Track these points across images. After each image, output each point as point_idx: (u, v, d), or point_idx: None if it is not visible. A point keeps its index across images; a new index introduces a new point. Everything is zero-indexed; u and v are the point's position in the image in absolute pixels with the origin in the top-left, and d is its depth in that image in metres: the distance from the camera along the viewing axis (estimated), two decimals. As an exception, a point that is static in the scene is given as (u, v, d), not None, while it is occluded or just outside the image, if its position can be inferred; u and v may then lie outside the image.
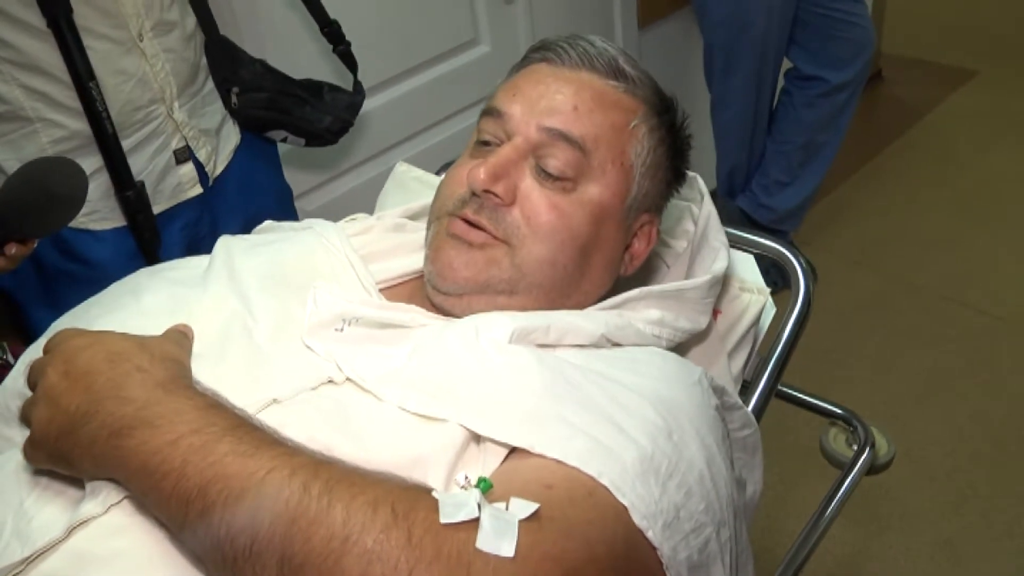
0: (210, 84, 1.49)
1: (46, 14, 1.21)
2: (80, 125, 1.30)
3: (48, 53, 1.24)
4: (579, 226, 0.93)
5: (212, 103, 1.49)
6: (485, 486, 0.64)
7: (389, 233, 1.09)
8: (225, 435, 0.66)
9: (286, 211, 1.67)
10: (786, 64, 2.53)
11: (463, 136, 2.21)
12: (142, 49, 1.32)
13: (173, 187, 1.43)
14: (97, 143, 1.31)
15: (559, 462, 0.70)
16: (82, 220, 1.36)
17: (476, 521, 0.61)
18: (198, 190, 1.46)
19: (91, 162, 1.32)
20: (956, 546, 1.95)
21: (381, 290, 0.98)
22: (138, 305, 0.91)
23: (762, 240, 1.18)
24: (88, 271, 1.36)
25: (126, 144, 1.34)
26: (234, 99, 1.51)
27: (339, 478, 0.63)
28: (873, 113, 3.39)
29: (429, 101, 2.13)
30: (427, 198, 1.14)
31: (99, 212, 1.37)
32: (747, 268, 1.16)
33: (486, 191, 0.91)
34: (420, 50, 2.08)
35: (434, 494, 0.63)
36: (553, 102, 0.94)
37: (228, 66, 1.50)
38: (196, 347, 0.85)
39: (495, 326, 0.84)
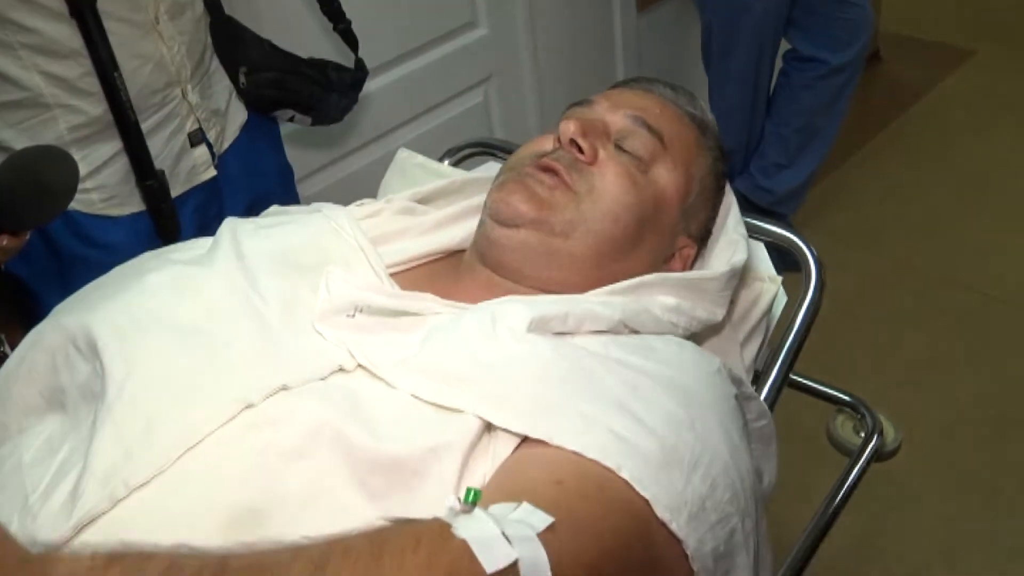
0: (215, 63, 1.47)
1: (70, 2, 1.20)
2: (99, 111, 1.29)
3: (70, 37, 1.23)
4: (644, 202, 0.97)
5: (219, 81, 1.48)
6: (476, 497, 0.63)
7: (399, 216, 1.08)
8: None
9: (288, 192, 1.66)
10: (784, 46, 2.51)
11: (463, 119, 2.22)
12: (159, 32, 1.31)
13: (188, 170, 1.42)
14: (119, 131, 1.30)
15: (576, 454, 0.69)
16: (100, 206, 1.35)
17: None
18: (212, 173, 1.45)
19: (109, 147, 1.32)
20: (959, 527, 1.95)
21: (392, 274, 0.97)
22: (141, 285, 0.90)
23: (772, 228, 1.18)
24: (104, 255, 1.32)
25: (143, 128, 1.33)
26: (243, 79, 1.50)
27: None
28: (871, 94, 3.37)
29: (428, 84, 2.12)
30: (431, 184, 1.15)
31: (116, 197, 1.36)
32: (758, 256, 1.16)
33: (572, 141, 0.96)
34: (418, 32, 2.07)
35: (457, 534, 0.60)
36: (641, 102, 1.03)
37: (236, 47, 1.49)
38: (204, 323, 0.84)
39: (512, 314, 0.83)
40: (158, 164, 1.36)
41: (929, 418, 2.19)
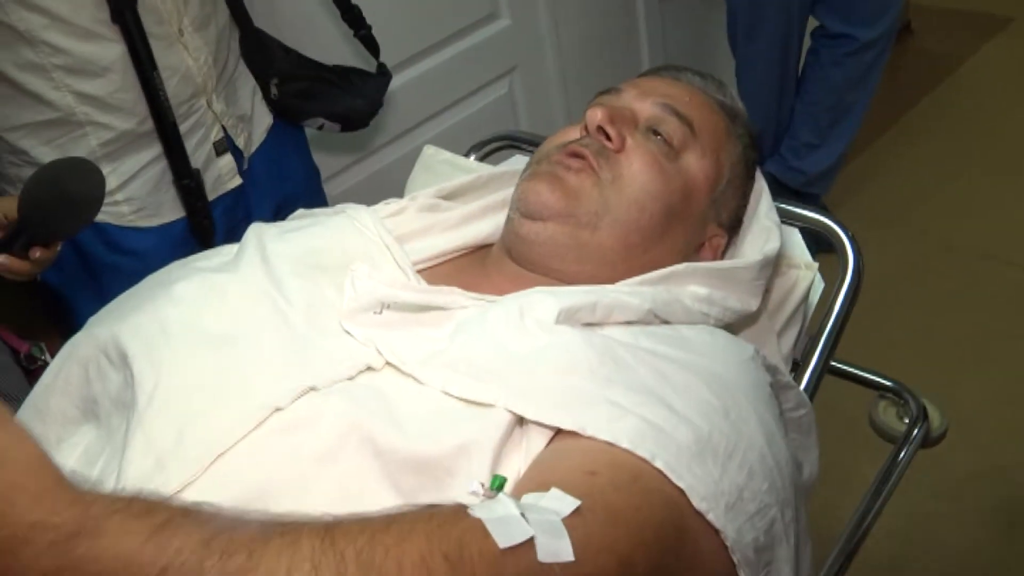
0: (239, 68, 1.49)
1: (113, 6, 1.23)
2: (128, 124, 1.32)
3: (103, 55, 1.26)
4: (672, 190, 0.96)
5: (243, 86, 1.50)
6: (500, 482, 0.63)
7: (423, 213, 1.07)
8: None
9: (315, 193, 1.68)
10: (812, 23, 2.47)
11: (488, 112, 2.21)
12: (184, 43, 1.33)
13: (214, 179, 1.44)
14: (158, 133, 1.33)
15: (609, 445, 0.68)
16: (130, 218, 1.38)
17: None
18: (237, 181, 1.47)
19: (138, 159, 1.35)
20: (1009, 511, 1.91)
21: (418, 270, 0.96)
22: (169, 294, 0.90)
23: (806, 212, 1.16)
24: (136, 262, 1.36)
25: None
26: (274, 90, 1.53)
27: (368, 542, 0.55)
28: (903, 68, 3.31)
29: (452, 78, 2.11)
30: (456, 180, 1.14)
31: (146, 209, 1.39)
32: (793, 242, 1.13)
33: (599, 128, 0.95)
34: (440, 26, 2.06)
35: (473, 513, 0.58)
36: (670, 90, 1.02)
37: (265, 58, 1.52)
38: (231, 329, 0.84)
39: (540, 306, 0.82)
40: (198, 168, 1.39)
41: (975, 399, 2.15)
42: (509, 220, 0.99)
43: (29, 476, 0.53)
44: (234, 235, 1.24)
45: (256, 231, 1.00)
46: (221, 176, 1.45)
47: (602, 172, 0.94)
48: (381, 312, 0.86)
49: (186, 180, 1.37)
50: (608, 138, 0.95)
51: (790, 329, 1.09)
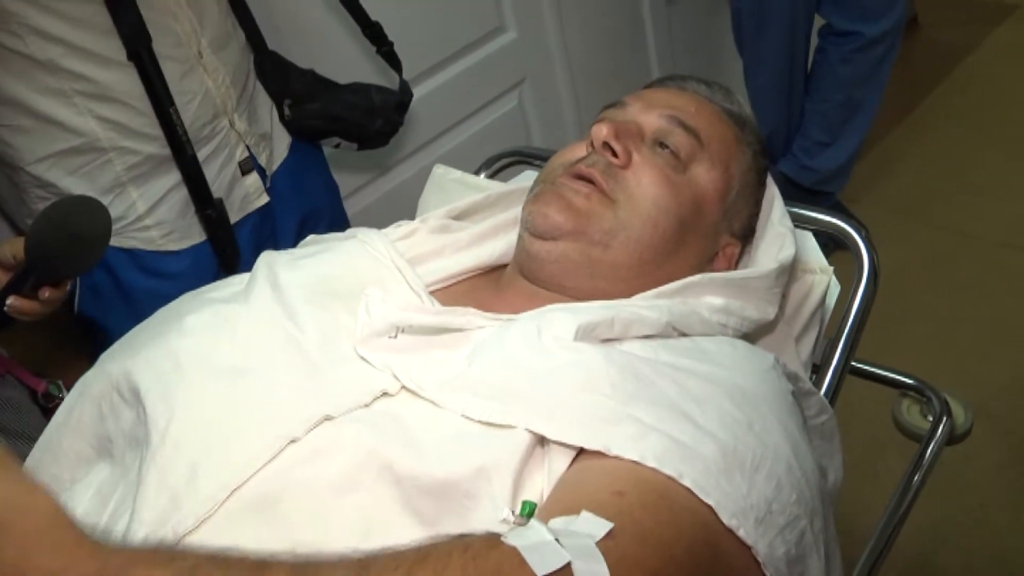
0: (257, 86, 1.51)
1: (129, 47, 1.24)
2: (153, 148, 1.32)
3: (123, 82, 1.26)
4: (683, 203, 0.96)
5: (263, 104, 1.51)
6: (530, 509, 0.62)
7: (434, 235, 1.07)
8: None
9: (336, 207, 1.69)
10: (819, 21, 2.46)
11: (499, 125, 2.21)
12: (203, 65, 1.35)
13: (241, 199, 1.45)
14: (177, 164, 1.34)
15: (635, 464, 0.67)
16: (160, 242, 1.38)
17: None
18: (264, 199, 1.48)
19: (165, 182, 1.35)
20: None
21: (432, 292, 0.96)
22: (180, 326, 0.89)
23: (819, 216, 1.15)
24: (170, 285, 1.35)
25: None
26: (287, 111, 1.53)
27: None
28: (912, 60, 3.30)
29: (462, 92, 2.12)
30: (466, 199, 1.14)
31: (176, 232, 1.39)
32: (807, 247, 1.12)
33: (605, 144, 0.95)
34: (447, 42, 2.06)
35: (507, 542, 0.58)
36: (676, 102, 1.02)
37: (280, 79, 1.52)
38: (244, 361, 0.83)
39: (559, 324, 0.81)
40: (220, 196, 1.39)
41: (1000, 389, 2.13)
42: (520, 239, 0.98)
43: (48, 527, 0.53)
44: (262, 252, 1.26)
45: (267, 259, 0.99)
46: (248, 195, 1.45)
47: (614, 193, 0.94)
48: (396, 336, 0.85)
49: (208, 210, 1.37)
50: (614, 154, 0.95)
51: (808, 334, 1.08)
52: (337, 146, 1.64)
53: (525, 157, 1.40)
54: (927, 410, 1.30)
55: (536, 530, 0.59)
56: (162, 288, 1.34)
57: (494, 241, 1.06)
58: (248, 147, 1.44)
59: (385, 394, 0.81)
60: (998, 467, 1.98)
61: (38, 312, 1.07)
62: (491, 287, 1.01)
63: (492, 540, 0.59)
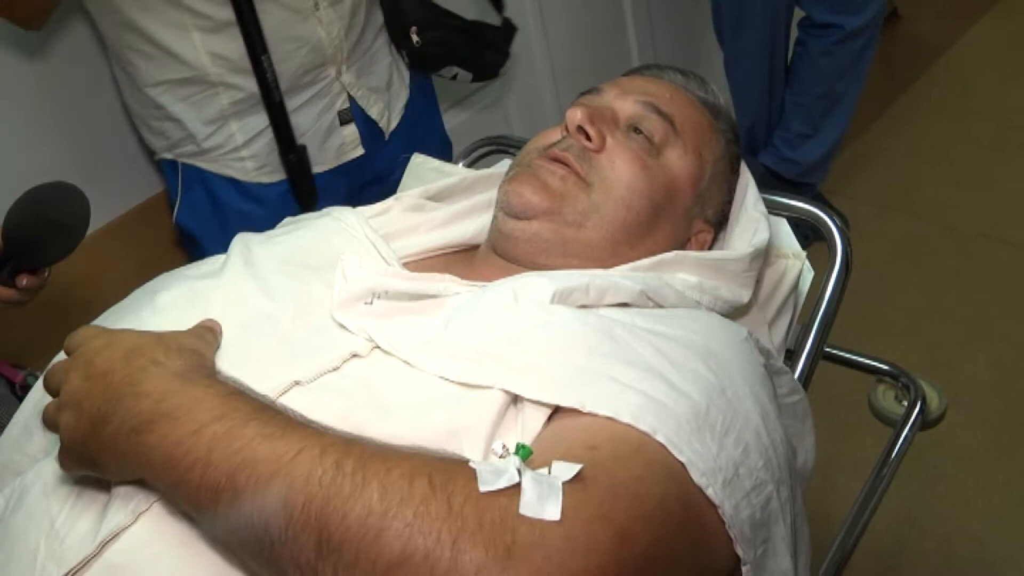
0: (380, 42, 1.57)
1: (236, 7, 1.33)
2: (256, 87, 1.42)
3: (234, 23, 1.35)
4: (656, 186, 0.97)
5: (381, 60, 1.57)
6: (525, 453, 0.62)
7: (409, 212, 1.08)
8: (250, 420, 0.65)
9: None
10: (799, 13, 2.47)
11: (480, 115, 2.20)
12: (318, 17, 1.42)
13: (336, 148, 1.53)
14: (265, 109, 1.43)
15: (609, 419, 0.68)
16: (253, 174, 1.50)
17: (518, 487, 0.59)
18: (359, 151, 1.55)
19: (262, 120, 1.45)
20: (1015, 487, 1.92)
21: (405, 266, 0.96)
22: (153, 305, 0.90)
23: (793, 202, 1.16)
24: (261, 210, 1.49)
25: (292, 103, 1.45)
26: (415, 38, 1.59)
27: (372, 453, 0.62)
28: (892, 53, 3.31)
29: (441, 82, 2.07)
30: (441, 181, 1.15)
31: (268, 166, 1.50)
32: (781, 233, 1.13)
33: (579, 128, 0.96)
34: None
35: (471, 464, 0.61)
36: (650, 88, 1.03)
37: (402, 11, 1.59)
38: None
39: (534, 287, 0.82)
40: (306, 139, 1.48)
41: (977, 378, 2.16)
42: (494, 219, 1.00)
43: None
44: (356, 199, 1.32)
45: (242, 239, 0.99)
46: (344, 145, 1.53)
47: (588, 176, 0.95)
48: (372, 303, 0.86)
49: (291, 155, 1.46)
50: (588, 138, 0.96)
51: (781, 319, 1.09)
52: (455, 76, 1.70)
53: (503, 146, 1.40)
54: (902, 395, 1.31)
55: (508, 462, 0.60)
56: (254, 212, 1.50)
57: (468, 221, 1.07)
58: (354, 98, 1.51)
59: (355, 356, 0.81)
60: (973, 455, 2.00)
61: (16, 300, 1.07)
62: (464, 263, 1.02)
63: (463, 459, 0.63)
